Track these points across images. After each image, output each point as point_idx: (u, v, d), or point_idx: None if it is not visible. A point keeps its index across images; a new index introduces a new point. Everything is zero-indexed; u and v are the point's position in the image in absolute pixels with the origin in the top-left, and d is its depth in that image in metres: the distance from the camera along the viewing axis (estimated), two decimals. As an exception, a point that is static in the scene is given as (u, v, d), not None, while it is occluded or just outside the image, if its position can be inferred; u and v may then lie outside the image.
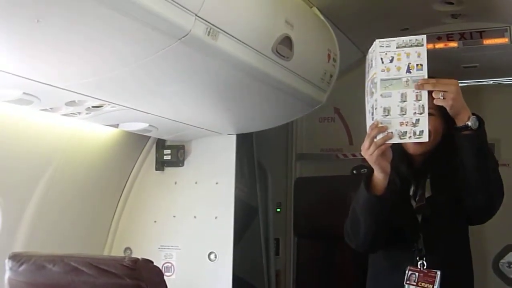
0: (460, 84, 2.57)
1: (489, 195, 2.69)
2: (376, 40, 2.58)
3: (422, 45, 2.52)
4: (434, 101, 2.51)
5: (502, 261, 5.62)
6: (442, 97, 2.50)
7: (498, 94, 5.79)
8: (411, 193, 2.86)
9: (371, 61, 2.61)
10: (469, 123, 2.56)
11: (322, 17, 3.87)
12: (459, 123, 2.58)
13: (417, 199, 2.84)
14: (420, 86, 2.48)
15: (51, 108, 3.12)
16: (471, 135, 2.58)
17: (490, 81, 5.90)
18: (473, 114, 2.60)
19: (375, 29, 4.36)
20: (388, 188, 2.66)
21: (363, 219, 2.72)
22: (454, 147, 2.71)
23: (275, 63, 3.17)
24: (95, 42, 2.42)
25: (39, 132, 3.39)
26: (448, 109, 2.55)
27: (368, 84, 2.64)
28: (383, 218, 2.69)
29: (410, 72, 2.51)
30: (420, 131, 2.49)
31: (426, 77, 2.50)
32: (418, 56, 2.51)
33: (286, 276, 5.53)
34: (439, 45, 4.85)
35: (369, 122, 2.60)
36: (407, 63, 2.52)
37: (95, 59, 2.60)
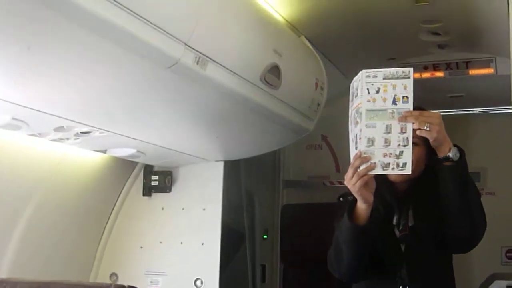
0: (446, 113, 2.60)
1: (471, 226, 2.69)
2: (363, 70, 2.57)
3: (409, 77, 2.51)
4: (418, 132, 2.51)
5: (487, 290, 5.64)
6: (427, 129, 2.51)
7: (484, 123, 5.84)
8: (394, 222, 2.86)
9: (356, 90, 2.60)
10: (450, 154, 2.58)
11: (310, 46, 3.90)
12: (441, 154, 2.60)
13: (400, 228, 2.84)
14: (403, 118, 2.49)
15: (39, 133, 3.11)
16: (452, 166, 2.60)
17: (476, 110, 5.96)
18: (454, 145, 2.61)
19: (362, 58, 4.41)
20: (371, 217, 2.66)
21: (346, 248, 2.72)
22: (436, 177, 2.72)
23: (263, 92, 3.20)
24: (84, 70, 2.44)
25: (27, 157, 3.38)
26: (431, 140, 2.56)
27: (352, 112, 2.63)
28: (366, 247, 2.69)
29: (396, 104, 2.50)
30: (403, 163, 2.48)
31: (411, 109, 2.51)
32: (405, 88, 2.50)
33: (272, 303, 5.53)
34: (426, 75, 4.90)
35: (352, 150, 2.60)
36: (393, 95, 2.50)
37: (84, 86, 2.61)
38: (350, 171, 2.54)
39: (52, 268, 3.67)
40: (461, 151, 2.62)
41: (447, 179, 2.63)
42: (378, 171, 2.51)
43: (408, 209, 2.84)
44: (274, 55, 3.20)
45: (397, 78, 2.52)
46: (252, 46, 3.04)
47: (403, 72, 2.52)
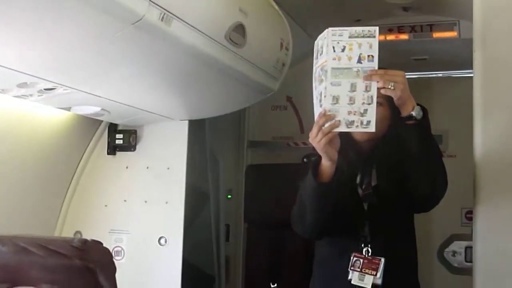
0: (410, 76, 2.61)
1: (433, 184, 2.73)
2: (329, 28, 2.56)
3: (374, 36, 2.52)
4: (382, 91, 2.53)
5: (446, 250, 5.75)
6: (391, 87, 2.53)
7: (447, 86, 5.89)
8: (358, 181, 2.89)
9: (321, 48, 2.60)
10: (414, 113, 2.61)
11: (276, 7, 3.89)
12: (404, 113, 2.63)
13: (363, 187, 2.88)
14: (368, 77, 2.50)
15: (2, 90, 3.09)
16: (415, 124, 2.63)
17: (440, 74, 6.01)
18: (417, 104, 2.64)
19: (328, 19, 4.38)
20: (335, 175, 2.69)
21: (310, 206, 2.75)
22: (400, 136, 2.76)
23: (228, 50, 3.20)
24: (46, 24, 2.41)
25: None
26: (395, 99, 2.58)
27: (317, 70, 2.64)
28: (329, 205, 2.72)
29: (361, 63, 2.51)
30: (367, 121, 2.50)
31: (376, 68, 2.53)
32: (370, 47, 2.51)
33: (236, 262, 5.58)
34: (390, 37, 4.93)
35: (316, 108, 2.62)
36: (358, 54, 2.51)
37: (47, 42, 2.58)
38: (314, 129, 2.56)
39: (15, 225, 3.66)
40: (424, 110, 2.65)
41: (409, 138, 2.67)
42: (343, 128, 2.53)
43: (372, 169, 2.87)
44: (239, 14, 3.19)
45: (363, 37, 2.53)
46: (218, 4, 3.02)
47: (368, 31, 2.53)
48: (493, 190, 3.03)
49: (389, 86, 2.52)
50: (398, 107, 2.64)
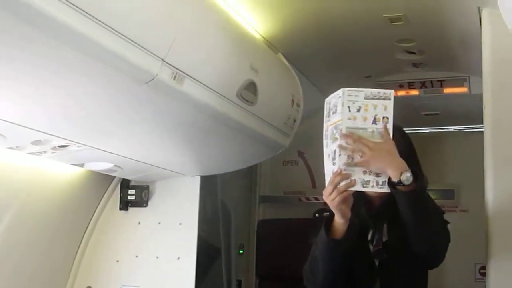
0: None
1: (431, 246, 2.69)
2: (345, 88, 2.56)
3: (390, 99, 2.52)
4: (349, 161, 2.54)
5: (462, 304, 5.68)
6: (360, 155, 2.53)
7: (458, 141, 5.90)
8: (369, 237, 2.87)
9: (335, 106, 2.61)
10: (402, 179, 2.53)
11: (286, 63, 3.95)
12: (393, 178, 2.55)
13: (374, 243, 2.86)
14: (346, 136, 2.51)
15: (16, 147, 3.12)
16: (405, 192, 2.56)
17: (451, 128, 6.02)
18: (411, 169, 2.56)
19: (339, 75, 4.47)
20: (348, 232, 2.68)
21: (322, 262, 2.73)
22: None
23: (240, 108, 3.23)
24: (61, 82, 2.46)
25: (4, 170, 3.38)
26: (362, 165, 2.55)
27: (329, 128, 2.65)
28: (341, 262, 2.70)
29: (376, 124, 2.52)
30: (383, 182, 2.50)
31: (391, 130, 2.52)
32: (385, 109, 2.51)
33: (248, 318, 5.54)
34: (401, 93, 4.96)
35: (328, 166, 2.63)
36: (373, 115, 2.52)
37: (62, 99, 2.62)
38: (329, 187, 2.55)
39: (28, 282, 3.67)
40: (415, 176, 2.56)
41: (401, 203, 2.61)
42: (358, 188, 2.52)
43: (383, 225, 2.85)
44: (250, 71, 3.23)
45: (378, 98, 2.54)
46: (229, 63, 3.07)
47: (384, 93, 2.54)
48: (505, 244, 3.02)
49: (360, 154, 2.53)
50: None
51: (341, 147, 2.51)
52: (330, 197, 2.56)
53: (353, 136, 2.52)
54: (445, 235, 2.75)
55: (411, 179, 2.54)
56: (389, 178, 2.58)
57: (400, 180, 2.54)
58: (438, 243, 2.73)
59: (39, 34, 2.08)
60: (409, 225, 2.64)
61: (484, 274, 3.16)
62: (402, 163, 2.56)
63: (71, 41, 2.16)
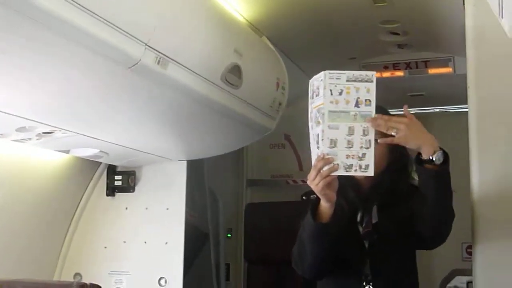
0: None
1: (441, 227, 2.73)
2: (326, 71, 2.55)
3: (372, 81, 2.51)
4: (380, 140, 2.55)
5: (448, 285, 5.71)
6: (394, 133, 2.53)
7: (444, 121, 5.91)
8: (358, 219, 2.88)
9: (318, 89, 2.59)
10: (434, 157, 2.56)
11: (271, 46, 3.94)
12: (424, 155, 2.58)
13: (364, 225, 2.87)
14: (374, 122, 2.50)
15: (1, 134, 3.11)
16: (433, 170, 2.59)
17: (436, 109, 6.04)
18: (440, 148, 2.60)
19: (323, 57, 4.47)
20: (334, 215, 2.68)
21: (309, 246, 2.74)
22: (399, 174, 2.77)
23: (224, 91, 3.23)
24: (45, 69, 2.45)
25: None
26: (401, 143, 2.57)
27: (313, 111, 2.64)
28: (329, 245, 2.71)
29: (359, 107, 2.51)
30: (366, 165, 2.50)
31: (373, 112, 2.52)
32: (367, 91, 2.51)
33: (236, 301, 5.56)
34: (386, 74, 4.96)
35: (313, 149, 2.62)
36: (356, 97, 2.51)
37: (45, 86, 2.61)
38: (313, 172, 2.55)
39: (15, 268, 3.66)
40: (446, 155, 2.61)
41: (427, 183, 2.64)
42: (341, 172, 2.52)
43: (372, 206, 2.85)
44: (235, 55, 3.23)
45: (360, 81, 2.53)
46: (213, 46, 3.06)
47: (366, 75, 2.53)
48: (491, 224, 3.03)
49: (392, 132, 2.53)
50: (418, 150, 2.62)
51: (371, 122, 2.51)
52: (314, 182, 2.56)
53: (382, 116, 2.52)
54: (452, 218, 2.76)
55: (442, 158, 2.56)
56: (419, 154, 2.59)
57: (431, 158, 2.55)
58: (449, 224, 2.74)
59: (20, 20, 2.06)
60: (429, 203, 2.64)
61: (471, 253, 3.17)
62: (435, 141, 2.60)
63: (53, 26, 2.15)
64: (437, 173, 2.60)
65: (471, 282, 3.18)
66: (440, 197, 2.66)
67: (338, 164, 2.51)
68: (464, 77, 3.24)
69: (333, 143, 2.51)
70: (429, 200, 2.65)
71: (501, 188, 3.02)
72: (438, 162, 2.57)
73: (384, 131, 2.53)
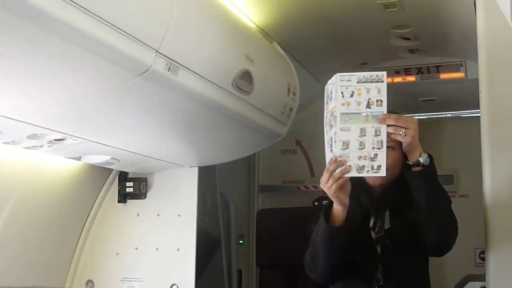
0: (418, 117, 2.62)
1: (442, 233, 2.73)
2: (337, 74, 2.57)
3: (382, 81, 2.53)
4: (393, 136, 2.54)
5: (462, 291, 5.68)
6: (403, 134, 2.54)
7: (456, 126, 5.90)
8: (371, 224, 2.88)
9: (331, 93, 2.61)
10: (421, 159, 2.62)
11: (282, 52, 3.94)
12: (411, 159, 2.64)
13: (376, 230, 2.87)
14: (381, 120, 2.51)
15: (12, 141, 3.12)
16: (422, 171, 2.64)
17: (448, 114, 6.02)
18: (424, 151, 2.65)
19: (334, 63, 4.46)
20: (347, 219, 2.68)
21: (322, 250, 2.74)
22: (407, 184, 2.77)
23: (235, 97, 3.23)
24: (56, 76, 2.45)
25: (0, 165, 3.38)
26: (405, 145, 2.59)
27: (327, 115, 2.65)
28: (341, 249, 2.71)
29: (370, 108, 2.52)
30: (378, 166, 2.50)
31: (385, 112, 2.52)
32: (378, 92, 2.52)
33: (249, 307, 5.55)
34: (397, 79, 4.95)
35: (327, 153, 2.63)
36: (367, 98, 2.52)
37: (57, 93, 2.62)
38: (325, 175, 2.56)
39: (28, 275, 3.67)
40: (430, 157, 2.66)
41: (417, 185, 2.67)
42: (354, 174, 2.53)
43: (385, 212, 2.86)
44: (245, 61, 3.23)
45: (371, 81, 2.54)
46: (224, 52, 3.06)
47: (376, 76, 2.54)
48: (504, 229, 3.01)
49: (400, 132, 2.53)
50: (406, 153, 2.65)
51: (379, 121, 2.52)
52: (326, 185, 2.57)
53: (391, 116, 2.53)
54: (454, 222, 2.77)
55: (428, 160, 2.59)
56: (406, 158, 2.64)
57: (418, 160, 2.57)
58: (448, 230, 2.76)
59: (31, 28, 2.07)
60: (422, 207, 2.67)
61: (484, 259, 3.15)
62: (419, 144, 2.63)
63: (63, 33, 2.14)
64: (424, 172, 2.65)
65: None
66: (432, 197, 2.69)
67: (350, 165, 2.52)
68: (476, 81, 3.23)
69: (345, 145, 2.52)
70: (423, 204, 2.68)
71: (514, 193, 3.01)
72: (426, 163, 2.63)
73: (392, 130, 2.54)
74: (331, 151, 2.57)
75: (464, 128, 5.69)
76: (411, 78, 4.98)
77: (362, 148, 2.51)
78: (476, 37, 3.21)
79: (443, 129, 5.91)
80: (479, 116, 3.18)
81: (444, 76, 4.90)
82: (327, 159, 2.62)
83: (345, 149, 2.52)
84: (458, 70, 4.82)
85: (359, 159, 2.52)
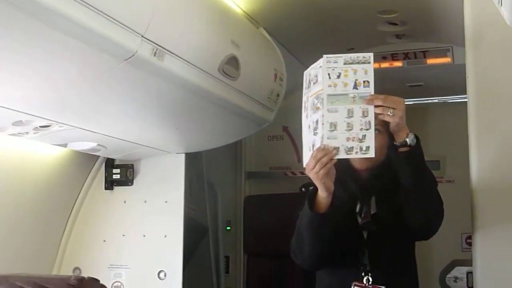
0: (406, 103, 2.61)
1: (428, 215, 2.74)
2: (324, 55, 2.59)
3: (369, 62, 2.55)
4: (380, 117, 2.54)
5: (448, 275, 5.71)
6: (391, 114, 2.54)
7: (443, 112, 5.90)
8: (357, 210, 2.88)
9: (315, 76, 2.62)
10: (408, 140, 2.62)
11: (268, 37, 3.93)
12: (398, 140, 2.63)
13: (362, 215, 2.87)
14: (369, 101, 2.52)
15: (-3, 128, 3.11)
16: (409, 152, 2.64)
17: (435, 99, 6.03)
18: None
19: (321, 48, 4.40)
20: (332, 205, 2.68)
21: (307, 237, 2.75)
22: (393, 166, 2.77)
23: (222, 83, 3.22)
24: (41, 63, 2.43)
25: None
26: (393, 125, 2.59)
27: (310, 99, 2.64)
28: (326, 235, 2.71)
29: (357, 89, 2.53)
30: (366, 147, 2.51)
31: (373, 93, 2.53)
32: (365, 73, 2.54)
33: (236, 294, 5.55)
34: (384, 65, 4.95)
35: (308, 137, 2.63)
36: (354, 80, 2.54)
37: (42, 79, 2.60)
38: (312, 161, 2.56)
39: (14, 263, 3.65)
40: (417, 138, 2.66)
41: (402, 166, 2.67)
42: (342, 155, 2.54)
43: (371, 197, 2.87)
44: (232, 46, 3.21)
45: (358, 63, 2.55)
46: (210, 38, 3.05)
47: (363, 57, 2.56)
48: (490, 214, 3.03)
49: (388, 113, 2.53)
50: (393, 134, 2.64)
51: (367, 102, 2.52)
52: (313, 171, 2.57)
53: (378, 96, 2.52)
54: (440, 204, 2.78)
55: (415, 141, 2.59)
56: (393, 139, 2.64)
57: (405, 140, 2.57)
58: (434, 212, 2.77)
59: (12, 13, 2.04)
60: (408, 188, 2.66)
61: (470, 244, 3.17)
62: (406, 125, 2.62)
63: (47, 19, 2.13)
64: (410, 153, 2.64)
65: (471, 272, 3.18)
66: (418, 178, 2.69)
67: (338, 147, 2.51)
68: (463, 67, 3.24)
69: (333, 126, 2.53)
70: (409, 184, 2.68)
71: (501, 178, 3.02)
72: (412, 144, 2.63)
73: (380, 111, 2.54)
74: (315, 134, 2.58)
75: (450, 114, 5.70)
76: (398, 64, 4.98)
77: (350, 130, 2.52)
78: (463, 23, 3.22)
79: (430, 115, 5.91)
80: (465, 101, 3.19)
81: (431, 61, 4.90)
82: (306, 144, 2.63)
83: (333, 130, 2.53)
84: (445, 56, 4.82)
85: (347, 140, 2.52)
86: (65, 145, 3.64)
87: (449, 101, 5.98)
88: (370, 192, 2.87)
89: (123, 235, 4.23)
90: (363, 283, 2.82)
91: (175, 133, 3.77)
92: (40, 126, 3.15)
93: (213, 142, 4.24)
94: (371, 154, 2.52)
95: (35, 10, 2.06)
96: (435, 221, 2.78)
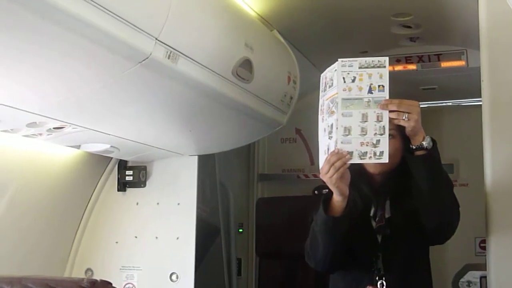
0: (420, 106, 2.60)
1: (444, 218, 2.72)
2: (339, 59, 2.58)
3: (385, 66, 2.53)
4: (395, 121, 2.53)
5: (461, 280, 5.68)
6: (405, 118, 2.53)
7: (457, 115, 5.89)
8: (371, 213, 2.87)
9: (331, 80, 2.61)
10: (424, 143, 2.60)
11: (282, 40, 3.92)
12: (415, 143, 2.62)
13: (377, 219, 2.86)
14: (384, 106, 2.51)
15: (11, 129, 3.10)
16: (426, 155, 2.62)
17: (449, 103, 6.01)
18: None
19: (335, 51, 4.40)
20: (346, 209, 2.67)
21: (322, 240, 2.74)
22: (410, 168, 2.75)
23: (235, 86, 3.22)
24: (55, 65, 2.44)
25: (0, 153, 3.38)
26: (408, 130, 2.57)
27: (326, 102, 2.64)
28: (341, 239, 2.71)
29: (372, 93, 2.52)
30: (380, 152, 2.50)
31: (387, 98, 2.52)
32: (380, 77, 2.52)
33: (248, 296, 5.55)
34: (398, 68, 4.93)
35: (323, 141, 2.63)
36: (369, 84, 2.52)
37: (56, 81, 2.60)
38: (326, 166, 2.55)
39: (27, 264, 3.66)
40: (433, 141, 2.64)
41: (419, 169, 2.65)
42: (356, 160, 2.52)
43: (385, 201, 2.86)
44: (245, 49, 3.21)
45: (373, 67, 2.53)
46: (224, 40, 3.05)
47: (378, 61, 2.54)
48: (505, 218, 3.02)
49: (403, 117, 2.52)
50: (409, 137, 2.63)
51: (382, 107, 2.51)
52: (327, 175, 2.56)
53: (393, 101, 2.51)
54: (457, 207, 2.76)
55: (431, 144, 2.57)
56: (409, 142, 2.62)
57: (421, 143, 2.56)
58: (451, 215, 2.75)
59: (28, 15, 2.05)
60: (425, 191, 2.65)
61: (484, 248, 3.15)
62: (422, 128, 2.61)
63: (62, 21, 2.13)
64: (427, 156, 2.63)
65: (485, 277, 3.17)
66: (435, 181, 2.67)
67: (352, 152, 2.50)
68: (477, 70, 3.22)
69: (347, 131, 2.52)
70: (425, 187, 2.66)
71: (515, 182, 3.00)
72: (429, 147, 2.61)
73: (395, 116, 2.52)
74: (330, 137, 2.57)
75: (464, 117, 5.69)
76: (411, 67, 4.96)
77: (364, 134, 2.51)
78: (478, 26, 3.20)
79: (443, 118, 5.90)
80: (479, 105, 3.17)
81: (445, 64, 4.88)
82: (322, 147, 2.62)
83: (347, 135, 2.52)
84: (459, 59, 4.81)
85: (361, 145, 2.51)
86: (78, 147, 3.65)
87: (463, 104, 5.96)
88: (384, 196, 2.86)
89: (136, 237, 4.23)
90: (377, 287, 2.81)
91: (188, 136, 3.76)
92: (53, 128, 3.16)
93: (226, 145, 4.24)
94: (385, 159, 2.51)
95: (49, 12, 2.07)
96: (451, 223, 2.77)
